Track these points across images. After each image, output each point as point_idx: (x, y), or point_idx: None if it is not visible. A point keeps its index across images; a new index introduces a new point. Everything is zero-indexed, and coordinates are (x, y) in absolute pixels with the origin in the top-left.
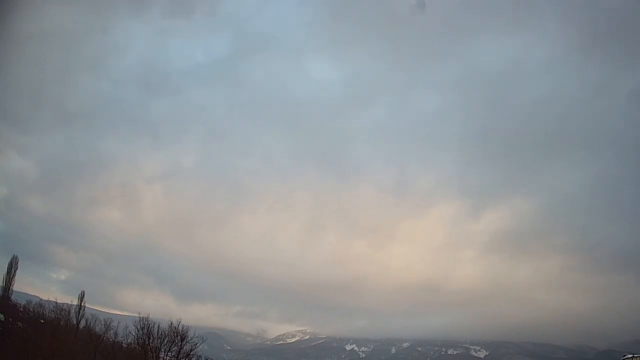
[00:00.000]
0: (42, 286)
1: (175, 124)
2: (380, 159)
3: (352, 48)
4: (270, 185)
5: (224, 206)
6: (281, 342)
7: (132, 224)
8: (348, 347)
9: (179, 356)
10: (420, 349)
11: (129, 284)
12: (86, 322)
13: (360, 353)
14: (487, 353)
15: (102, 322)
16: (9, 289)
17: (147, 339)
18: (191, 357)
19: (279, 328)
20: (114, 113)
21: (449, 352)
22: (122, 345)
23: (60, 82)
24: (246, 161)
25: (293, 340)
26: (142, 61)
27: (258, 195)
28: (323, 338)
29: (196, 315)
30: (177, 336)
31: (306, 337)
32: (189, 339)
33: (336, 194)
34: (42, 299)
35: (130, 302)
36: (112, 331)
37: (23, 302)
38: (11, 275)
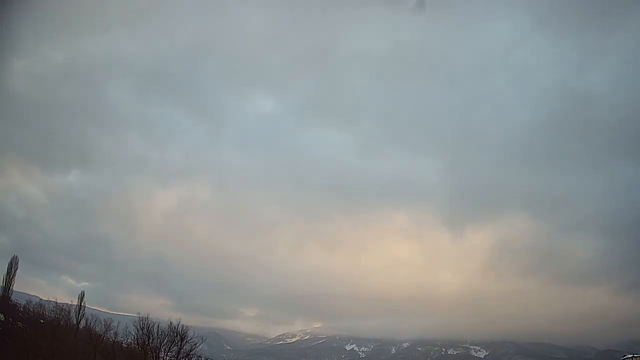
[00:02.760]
0: (44, 290)
1: (183, 168)
2: (386, 204)
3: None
4: (281, 209)
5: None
6: (281, 342)
7: (135, 237)
8: (348, 347)
9: (179, 356)
10: (420, 349)
11: (129, 288)
12: (86, 322)
13: (360, 353)
14: (487, 353)
15: (102, 322)
16: (9, 289)
17: (147, 338)
18: (191, 357)
19: (279, 328)
20: (123, 154)
21: (449, 352)
22: (122, 345)
23: (71, 127)
24: (253, 193)
25: (293, 340)
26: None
27: (261, 217)
28: (323, 338)
29: (196, 315)
30: (176, 336)
31: (306, 337)
32: (188, 338)
33: (343, 221)
34: (42, 299)
35: (130, 304)
36: (112, 331)
37: (23, 302)
38: (11, 275)
